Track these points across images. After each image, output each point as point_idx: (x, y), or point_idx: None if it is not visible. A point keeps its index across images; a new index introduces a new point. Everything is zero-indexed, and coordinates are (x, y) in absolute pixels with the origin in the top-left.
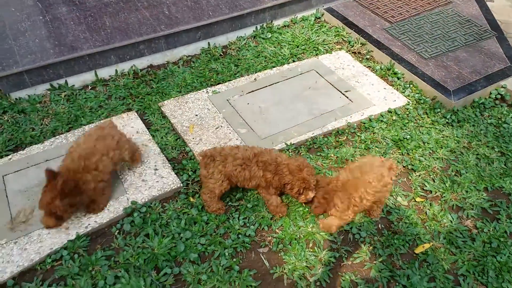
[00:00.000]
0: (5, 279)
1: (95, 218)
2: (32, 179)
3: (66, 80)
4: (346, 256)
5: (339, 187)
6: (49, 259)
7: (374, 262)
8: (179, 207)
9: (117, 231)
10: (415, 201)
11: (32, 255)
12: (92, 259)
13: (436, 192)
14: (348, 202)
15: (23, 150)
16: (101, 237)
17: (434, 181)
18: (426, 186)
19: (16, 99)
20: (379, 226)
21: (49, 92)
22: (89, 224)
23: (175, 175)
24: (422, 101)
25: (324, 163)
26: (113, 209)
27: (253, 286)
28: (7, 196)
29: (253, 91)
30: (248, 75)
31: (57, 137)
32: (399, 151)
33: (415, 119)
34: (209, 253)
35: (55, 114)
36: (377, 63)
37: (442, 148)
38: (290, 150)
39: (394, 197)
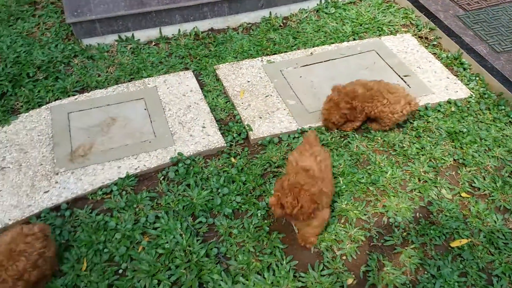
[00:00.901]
0: (60, 202)
1: (144, 162)
2: (93, 120)
3: (133, 34)
4: (377, 237)
5: None
6: (100, 191)
7: (405, 247)
8: (220, 165)
9: (162, 177)
10: (460, 196)
11: (85, 185)
12: (137, 198)
13: (484, 190)
14: None
15: (88, 92)
16: (148, 180)
17: (484, 179)
18: (475, 183)
19: (86, 45)
20: (417, 214)
21: (116, 43)
22: (138, 167)
23: (221, 135)
24: (486, 96)
25: (369, 145)
26: (161, 157)
27: (280, 248)
28: (70, 131)
29: (307, 65)
30: (305, 48)
31: (119, 85)
32: (452, 143)
33: (476, 114)
34: (243, 211)
35: (120, 64)
36: (443, 51)
37: (499, 147)
38: None
39: (439, 188)
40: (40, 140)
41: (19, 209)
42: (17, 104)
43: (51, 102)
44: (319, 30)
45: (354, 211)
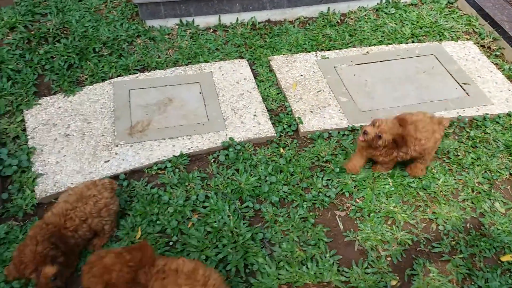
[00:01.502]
0: (118, 172)
1: (197, 143)
2: (152, 98)
3: (193, 19)
4: (424, 243)
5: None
6: (155, 166)
7: (453, 256)
8: (268, 154)
9: (213, 159)
10: None
11: (142, 159)
12: (189, 176)
13: None
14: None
15: (148, 72)
16: (199, 161)
17: None
18: None
19: (149, 26)
20: (468, 225)
21: (177, 26)
22: (191, 147)
23: (271, 125)
24: None
25: None
26: (213, 140)
27: (324, 241)
28: (130, 107)
29: (362, 63)
30: (360, 47)
31: (177, 67)
32: (510, 157)
33: None
34: (289, 201)
35: (179, 48)
36: (506, 62)
37: None
38: None
39: (492, 201)
40: (103, 113)
41: (81, 174)
42: (82, 76)
43: (114, 78)
44: (377, 29)
45: (402, 214)
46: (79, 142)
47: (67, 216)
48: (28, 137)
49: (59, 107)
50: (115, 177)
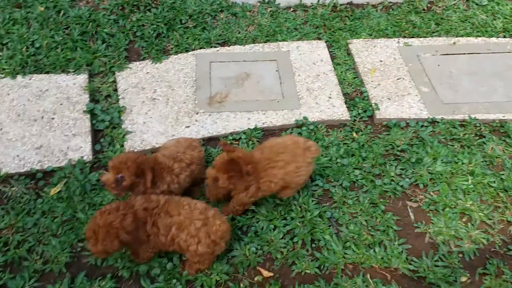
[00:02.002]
0: (197, 138)
1: (271, 119)
2: (230, 72)
3: None
4: (499, 244)
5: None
6: (230, 136)
7: None
8: (341, 137)
9: None
10: None
11: (219, 128)
12: None
13: None
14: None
15: (228, 46)
16: (272, 136)
17: None
18: None
19: (232, 2)
20: None
21: (258, 4)
22: (265, 122)
23: (346, 108)
24: None
25: (506, 150)
26: (287, 117)
27: (393, 228)
28: (210, 79)
29: (448, 54)
30: (447, 37)
31: (256, 44)
32: None
33: None
34: (359, 185)
35: (259, 25)
36: None
37: None
38: (471, 125)
39: None
40: (185, 81)
41: (164, 136)
42: (168, 45)
43: (196, 49)
44: (466, 20)
45: (479, 213)
46: (164, 106)
47: (177, 158)
48: (119, 97)
49: (147, 72)
50: None
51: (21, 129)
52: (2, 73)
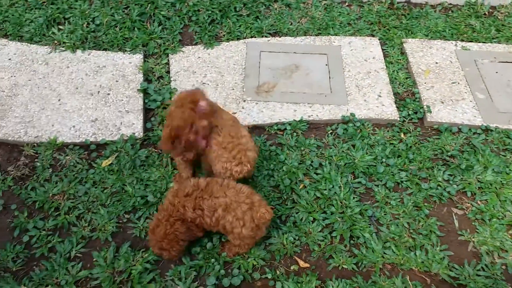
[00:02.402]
0: (244, 125)
1: (317, 112)
2: (280, 63)
3: None
4: None
5: None
6: (275, 126)
7: None
8: (388, 136)
9: (331, 131)
10: None
11: (265, 117)
12: (306, 142)
13: None
14: None
15: (280, 37)
16: (317, 130)
17: None
18: None
19: None
20: None
21: None
22: (311, 115)
23: (395, 108)
24: None
25: None
26: (333, 112)
27: (436, 233)
28: (259, 68)
29: (507, 62)
30: (507, 44)
31: (307, 37)
32: None
33: None
34: (403, 187)
35: (312, 17)
36: None
37: None
38: None
39: None
40: (235, 69)
41: None
42: (221, 32)
43: (247, 38)
44: None
45: None
46: (213, 91)
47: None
48: (171, 79)
49: (199, 57)
50: None
51: (78, 102)
52: (63, 47)
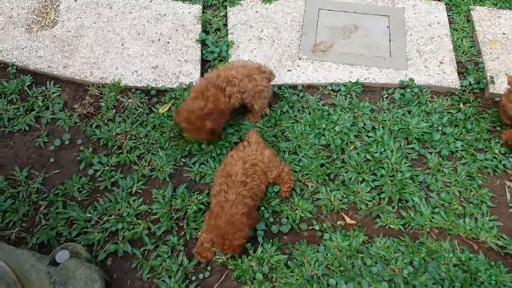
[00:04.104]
0: (297, 83)
1: (374, 75)
2: (339, 22)
3: None
4: None
5: None
6: (330, 87)
7: None
8: (446, 105)
9: (386, 95)
10: None
11: (320, 77)
12: (359, 104)
13: None
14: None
15: None
16: (371, 93)
17: None
18: None
19: None
20: None
21: None
22: (367, 78)
23: (457, 76)
24: None
25: None
26: (391, 76)
27: (486, 204)
28: (317, 26)
29: None
30: None
31: None
32: None
33: None
34: (457, 156)
35: None
36: None
37: None
38: None
39: None
40: (292, 26)
41: None
42: None
43: None
44: None
45: None
46: (269, 47)
47: (230, 83)
48: (229, 32)
49: (256, 11)
50: (294, 86)
51: (140, 48)
52: None
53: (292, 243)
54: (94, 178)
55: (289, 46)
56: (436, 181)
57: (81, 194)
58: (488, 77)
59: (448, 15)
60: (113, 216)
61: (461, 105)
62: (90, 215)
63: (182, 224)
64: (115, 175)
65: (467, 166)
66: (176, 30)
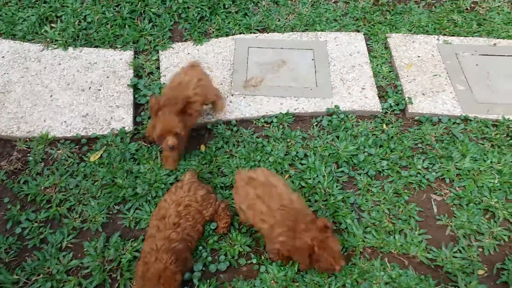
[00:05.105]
0: (231, 119)
1: (303, 105)
2: (267, 58)
3: None
4: None
5: None
6: (262, 119)
7: None
8: (371, 128)
9: (316, 123)
10: None
11: (252, 111)
12: (291, 134)
13: None
14: None
15: (267, 33)
16: (302, 122)
17: None
18: None
19: None
20: None
21: None
22: (297, 108)
23: (378, 100)
24: None
25: None
26: (318, 105)
27: (415, 218)
28: (247, 63)
29: (487, 54)
30: (488, 37)
31: (294, 33)
32: None
33: None
34: (384, 175)
35: (298, 14)
36: None
37: None
38: (504, 125)
39: None
40: (223, 64)
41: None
42: (210, 29)
43: (236, 34)
44: (509, 23)
45: (503, 211)
46: None
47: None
48: (161, 75)
49: (188, 53)
50: (228, 122)
51: (70, 97)
52: (55, 44)
53: (230, 281)
54: (22, 236)
55: (222, 84)
56: (367, 201)
57: (8, 255)
58: (407, 98)
59: (367, 44)
60: (41, 275)
61: (384, 126)
62: (18, 277)
63: (115, 275)
64: (44, 231)
65: (393, 183)
66: (107, 77)
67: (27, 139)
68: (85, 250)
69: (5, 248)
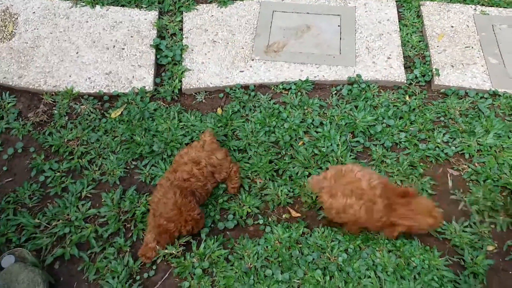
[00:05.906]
0: (249, 83)
1: (324, 73)
2: (292, 23)
3: None
4: None
5: None
6: (281, 85)
7: None
8: (392, 99)
9: (335, 91)
10: None
11: (271, 76)
12: (309, 101)
13: None
14: None
15: None
16: (321, 90)
17: None
18: None
19: None
20: None
21: None
22: (317, 76)
23: (403, 71)
24: None
25: None
26: (340, 73)
27: (428, 191)
28: (270, 27)
29: None
30: None
31: None
32: None
33: None
34: (401, 147)
35: None
36: None
37: None
38: None
39: None
40: (246, 28)
41: (219, 77)
42: None
43: None
44: None
45: None
46: (223, 49)
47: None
48: (184, 36)
49: (212, 15)
50: (245, 86)
51: (95, 55)
52: (83, 1)
53: (236, 238)
54: (45, 184)
55: (243, 48)
56: (380, 172)
57: (32, 201)
58: (434, 70)
59: (398, 11)
60: (61, 221)
61: (407, 98)
62: (39, 221)
63: (129, 225)
64: (66, 181)
65: (409, 156)
66: (131, 37)
67: (53, 93)
68: (102, 200)
69: (28, 194)
